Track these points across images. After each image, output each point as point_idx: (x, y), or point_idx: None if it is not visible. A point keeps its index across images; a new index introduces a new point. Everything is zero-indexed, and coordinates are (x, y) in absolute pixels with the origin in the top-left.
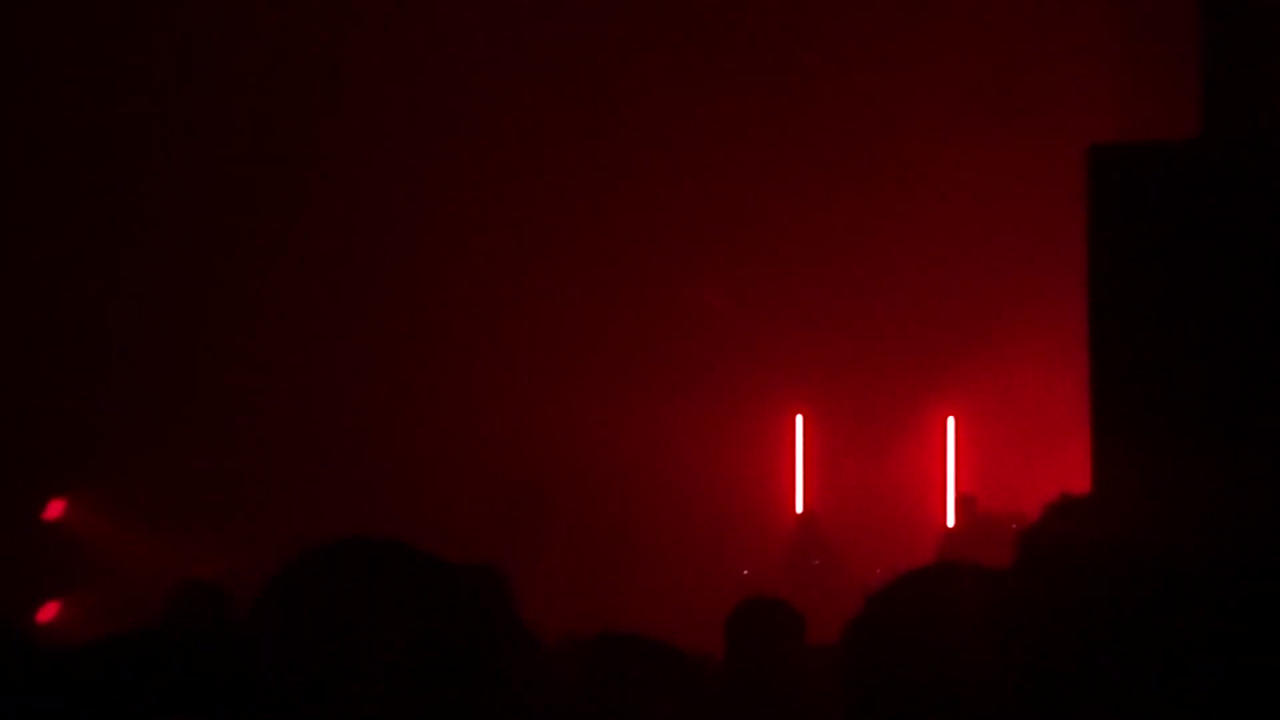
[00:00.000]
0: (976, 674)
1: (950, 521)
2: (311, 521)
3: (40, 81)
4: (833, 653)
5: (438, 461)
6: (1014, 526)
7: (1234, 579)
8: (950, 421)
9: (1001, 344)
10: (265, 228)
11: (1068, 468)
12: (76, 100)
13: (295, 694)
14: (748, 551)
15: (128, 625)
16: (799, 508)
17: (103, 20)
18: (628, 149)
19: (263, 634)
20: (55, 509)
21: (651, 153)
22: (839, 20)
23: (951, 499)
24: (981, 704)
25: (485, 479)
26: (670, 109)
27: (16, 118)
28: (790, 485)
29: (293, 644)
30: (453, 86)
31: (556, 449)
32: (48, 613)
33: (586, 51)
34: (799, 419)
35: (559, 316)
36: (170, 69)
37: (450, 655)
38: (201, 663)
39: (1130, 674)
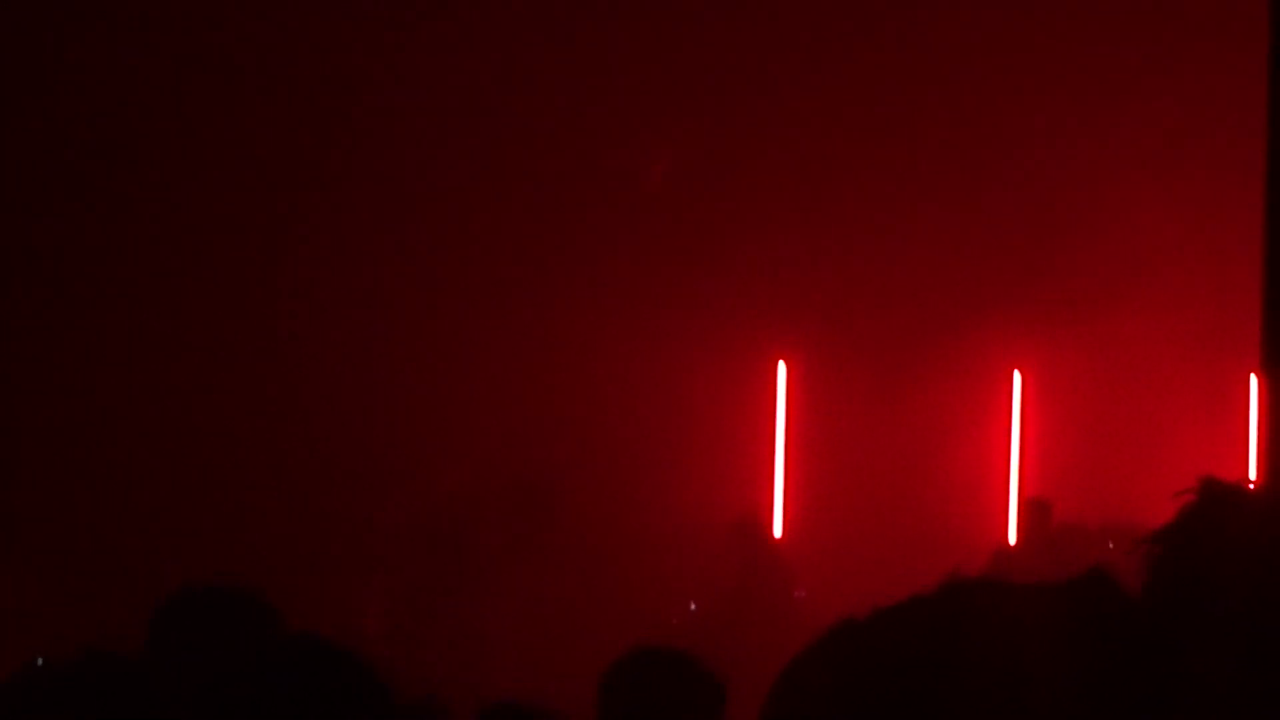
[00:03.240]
0: None
1: (1012, 536)
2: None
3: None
4: None
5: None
6: (1110, 545)
7: None
8: (1016, 379)
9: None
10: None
11: (1182, 460)
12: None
13: None
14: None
15: None
16: (777, 520)
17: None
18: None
19: None
20: None
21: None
22: None
23: (1015, 500)
24: None
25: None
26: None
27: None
28: (769, 471)
29: None
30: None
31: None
32: None
33: None
34: (780, 367)
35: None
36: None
37: None
38: None
39: None
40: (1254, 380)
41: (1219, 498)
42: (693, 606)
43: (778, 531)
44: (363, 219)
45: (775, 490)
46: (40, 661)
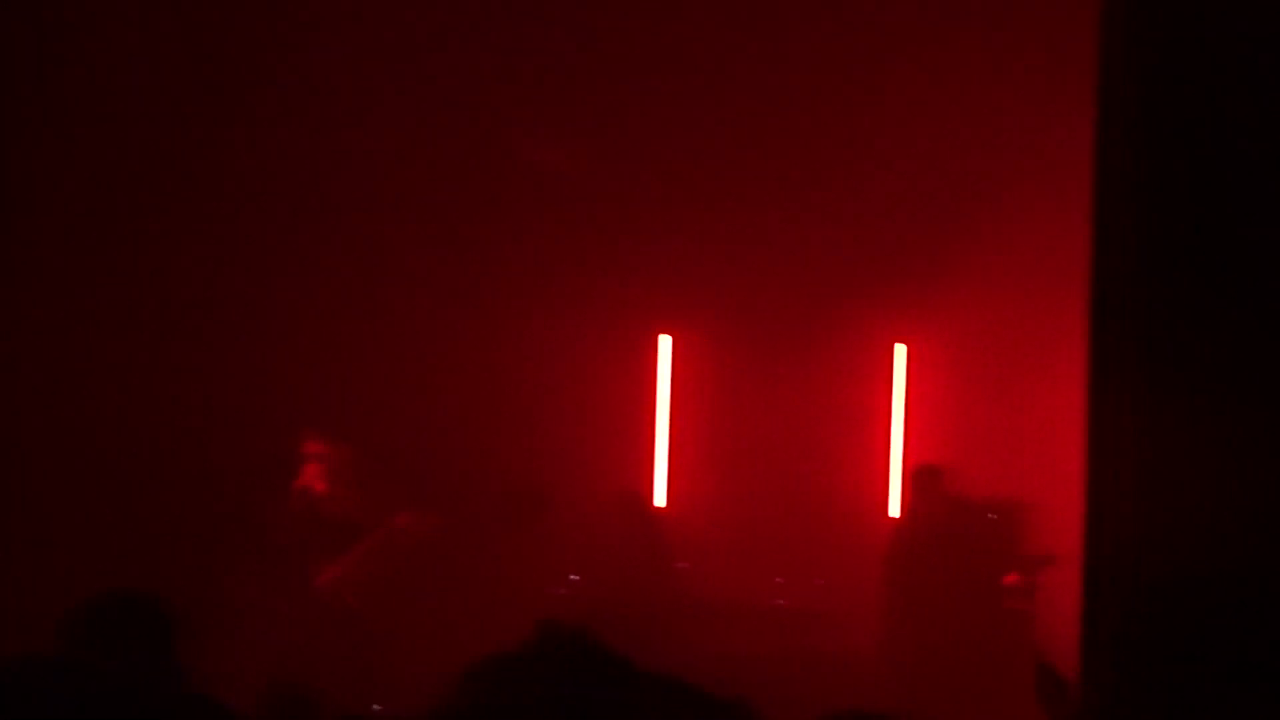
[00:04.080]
0: None
1: (894, 509)
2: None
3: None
4: None
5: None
6: (992, 517)
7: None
8: (900, 352)
9: (969, 250)
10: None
11: (1056, 421)
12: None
13: None
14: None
15: None
16: (659, 488)
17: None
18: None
19: None
20: None
21: None
22: None
23: (897, 473)
24: None
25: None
26: None
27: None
28: (651, 444)
29: None
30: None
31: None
32: None
33: None
34: (664, 341)
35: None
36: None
37: None
38: None
39: None
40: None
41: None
42: (573, 578)
43: (661, 503)
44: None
45: (658, 463)
46: None
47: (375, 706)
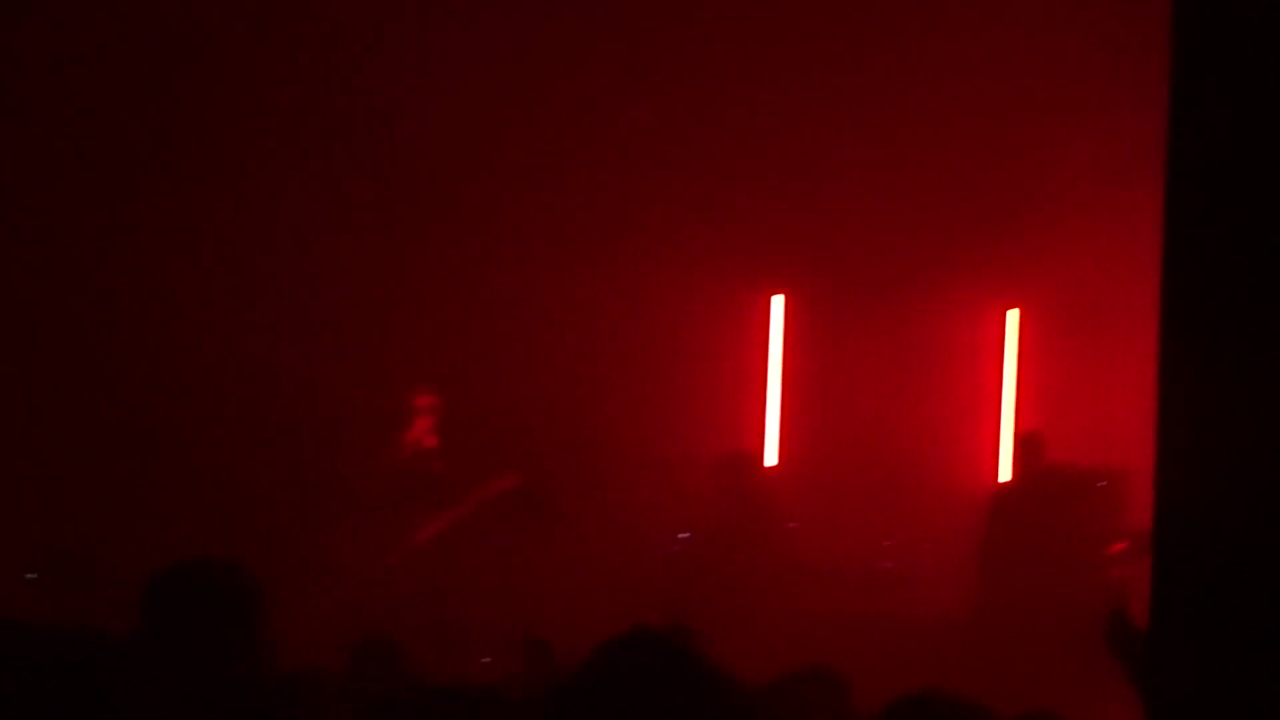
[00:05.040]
0: None
1: (1005, 473)
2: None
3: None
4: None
5: None
6: (1101, 485)
7: None
8: (1012, 317)
9: (1082, 215)
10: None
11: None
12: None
13: None
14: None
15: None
16: (770, 447)
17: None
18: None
19: None
20: None
21: None
22: None
23: (1007, 437)
24: None
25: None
26: None
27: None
28: (763, 404)
29: None
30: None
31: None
32: None
33: None
34: (777, 302)
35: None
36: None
37: None
38: None
39: None
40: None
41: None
42: (683, 536)
43: (771, 463)
44: (343, 189)
45: (769, 423)
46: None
47: (484, 659)
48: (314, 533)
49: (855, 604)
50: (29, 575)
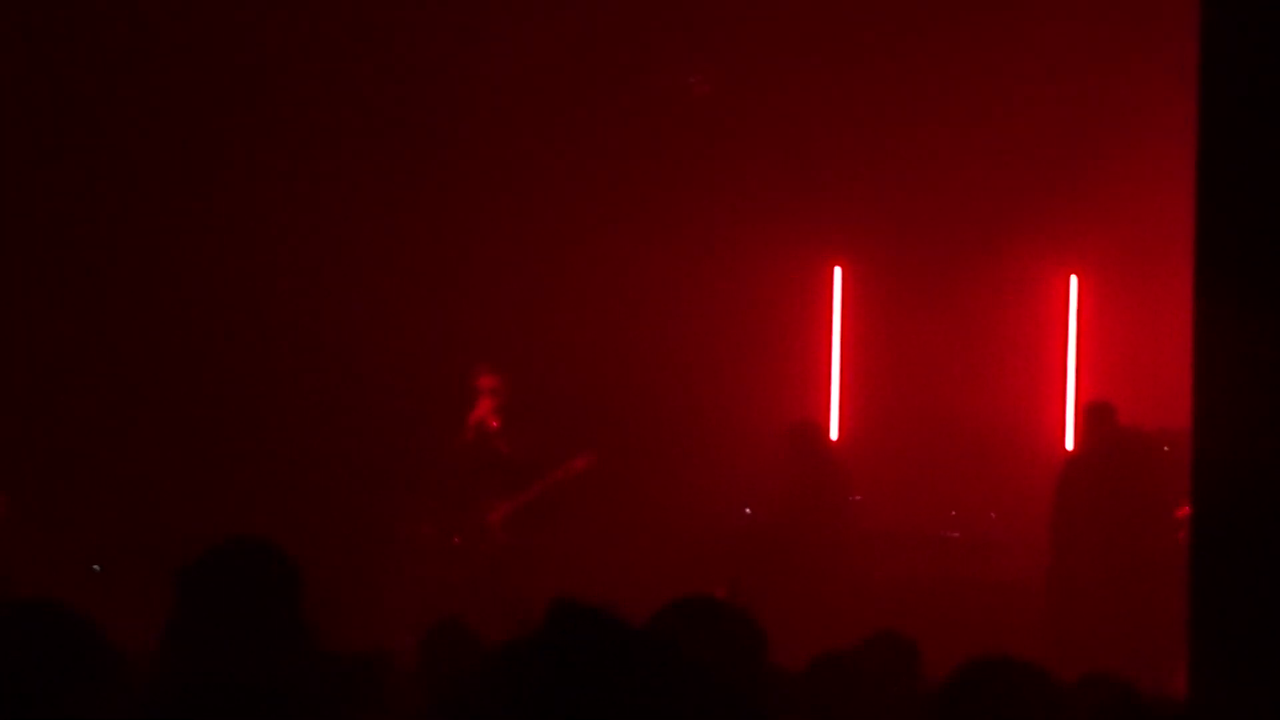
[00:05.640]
0: None
1: (1069, 441)
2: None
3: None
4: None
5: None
6: (1166, 449)
7: None
8: (1074, 283)
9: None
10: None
11: None
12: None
13: None
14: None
15: None
16: (834, 425)
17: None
18: None
19: None
20: None
21: None
22: None
23: (1071, 405)
24: None
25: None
26: None
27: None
28: (826, 375)
29: None
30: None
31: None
32: None
33: None
34: (836, 272)
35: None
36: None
37: None
38: None
39: None
40: None
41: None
42: (748, 511)
43: (834, 435)
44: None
45: (832, 394)
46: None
47: None
48: (385, 515)
49: (922, 571)
50: (95, 567)
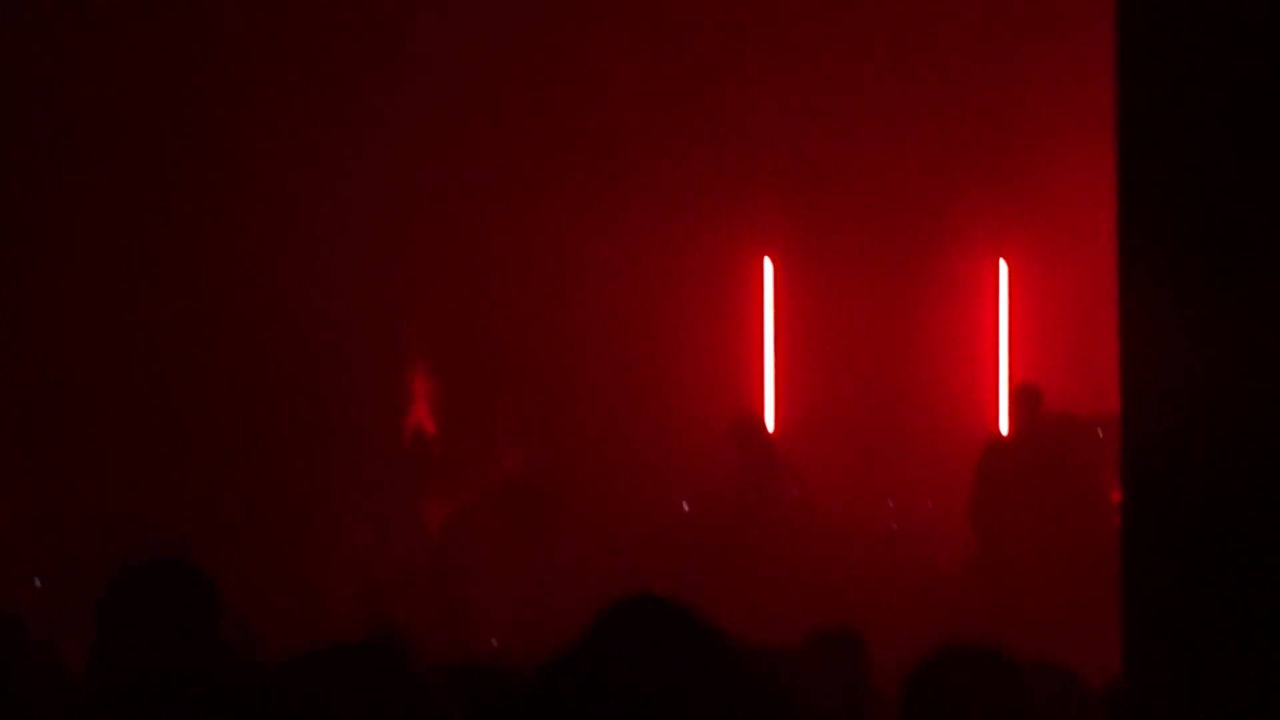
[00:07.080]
0: None
1: (1004, 425)
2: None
3: None
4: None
5: None
6: (1100, 432)
7: None
8: (1003, 268)
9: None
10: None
11: None
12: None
13: None
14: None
15: None
16: (769, 412)
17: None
18: None
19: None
20: None
21: None
22: None
23: (1005, 388)
24: None
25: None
26: None
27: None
28: (757, 366)
29: None
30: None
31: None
32: None
33: None
34: (766, 264)
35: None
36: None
37: None
38: None
39: None
40: None
41: None
42: (685, 507)
43: (770, 429)
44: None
45: (766, 388)
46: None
47: (493, 641)
48: (319, 520)
49: (862, 566)
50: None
